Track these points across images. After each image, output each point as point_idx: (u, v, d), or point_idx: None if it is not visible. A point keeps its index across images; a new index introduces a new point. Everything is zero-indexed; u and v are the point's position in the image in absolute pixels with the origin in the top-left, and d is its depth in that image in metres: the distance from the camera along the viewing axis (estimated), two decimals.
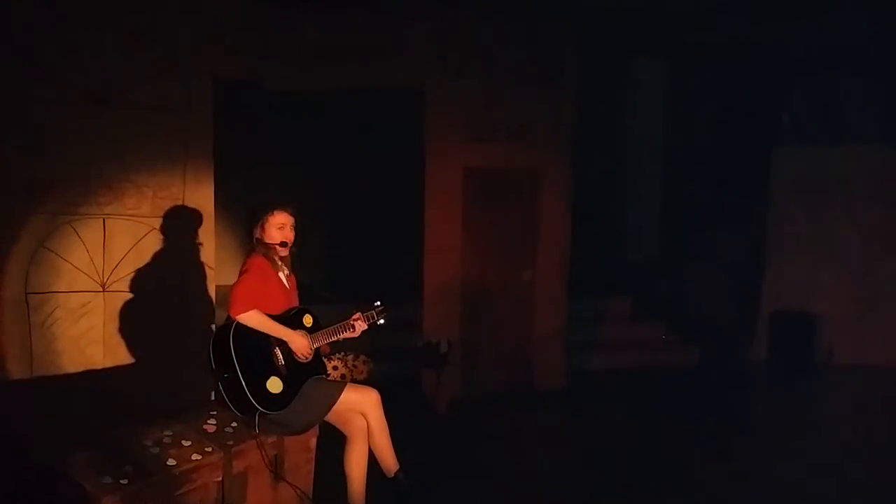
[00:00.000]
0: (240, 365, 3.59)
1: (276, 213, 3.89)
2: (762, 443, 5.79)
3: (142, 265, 5.15)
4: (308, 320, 3.94)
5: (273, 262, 3.90)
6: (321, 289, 4.04)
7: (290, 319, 3.86)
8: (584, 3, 6.67)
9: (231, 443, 3.65)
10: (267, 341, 3.75)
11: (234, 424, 3.78)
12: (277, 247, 3.89)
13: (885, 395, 7.11)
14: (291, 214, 3.94)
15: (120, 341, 5.11)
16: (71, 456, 3.32)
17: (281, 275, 3.96)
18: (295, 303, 4.02)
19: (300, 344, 3.81)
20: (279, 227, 3.89)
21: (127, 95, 5.12)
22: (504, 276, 6.89)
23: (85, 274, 5.04)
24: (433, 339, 6.46)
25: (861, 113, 7.84)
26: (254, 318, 3.68)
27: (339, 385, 3.94)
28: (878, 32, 7.06)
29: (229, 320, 3.67)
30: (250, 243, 3.93)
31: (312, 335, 3.90)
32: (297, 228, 3.97)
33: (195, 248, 5.32)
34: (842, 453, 5.55)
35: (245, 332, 3.67)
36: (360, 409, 3.91)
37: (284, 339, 3.78)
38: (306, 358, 3.85)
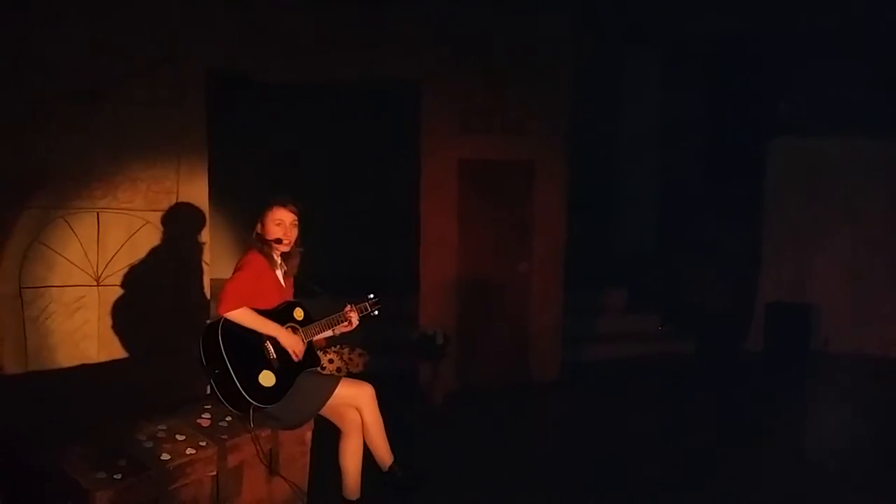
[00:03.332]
0: (230, 360, 3.57)
1: (275, 208, 3.84)
2: (758, 433, 5.79)
3: (136, 259, 5.13)
4: (299, 314, 3.91)
5: (270, 259, 3.86)
6: (314, 284, 4.01)
7: (280, 313, 3.84)
8: None
9: (225, 437, 3.64)
10: (257, 335, 3.72)
11: (229, 418, 3.77)
12: (274, 243, 3.85)
13: (880, 384, 7.13)
14: (292, 211, 3.86)
15: (114, 336, 5.10)
16: (64, 450, 3.32)
17: (278, 272, 3.92)
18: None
19: (291, 341, 3.78)
20: (277, 223, 3.83)
21: (120, 89, 5.08)
22: (500, 268, 6.88)
23: (79, 268, 5.02)
24: (429, 332, 6.46)
25: (857, 105, 7.81)
26: (242, 316, 3.65)
27: (334, 380, 3.93)
28: (876, 22, 7.04)
29: (218, 316, 3.65)
30: (250, 238, 3.89)
31: (304, 328, 3.88)
32: (300, 227, 3.90)
33: (189, 241, 5.30)
34: (837, 443, 5.55)
35: (234, 327, 3.65)
36: (355, 404, 3.90)
37: (274, 336, 3.76)
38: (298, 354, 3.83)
